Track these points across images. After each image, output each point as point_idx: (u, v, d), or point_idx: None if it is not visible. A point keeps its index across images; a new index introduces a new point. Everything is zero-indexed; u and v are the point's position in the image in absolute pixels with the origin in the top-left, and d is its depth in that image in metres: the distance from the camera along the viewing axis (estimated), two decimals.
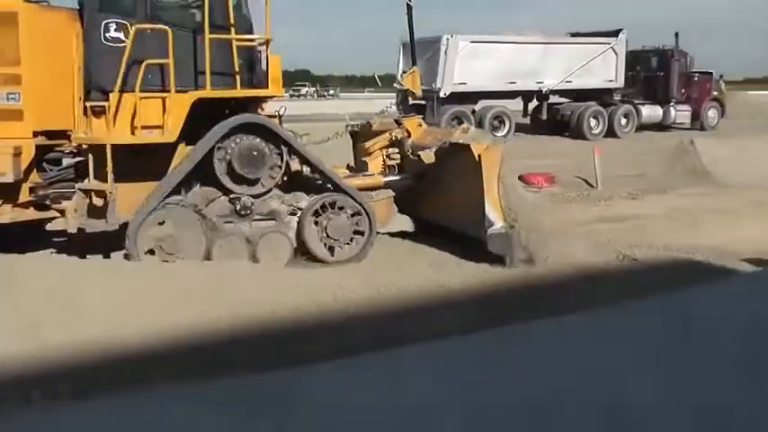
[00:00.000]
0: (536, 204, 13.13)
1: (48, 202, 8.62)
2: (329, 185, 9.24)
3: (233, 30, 8.69)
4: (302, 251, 9.06)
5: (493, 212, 9.02)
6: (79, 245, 8.99)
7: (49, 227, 9.22)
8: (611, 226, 11.35)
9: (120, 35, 8.26)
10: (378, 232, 9.56)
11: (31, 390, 5.13)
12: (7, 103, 7.96)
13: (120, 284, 7.31)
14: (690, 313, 6.19)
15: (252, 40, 9.10)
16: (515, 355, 5.06)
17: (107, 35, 8.30)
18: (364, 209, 9.22)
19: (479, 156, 9.03)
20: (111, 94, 8.30)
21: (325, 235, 9.05)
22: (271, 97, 9.33)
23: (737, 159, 18.17)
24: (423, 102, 20.23)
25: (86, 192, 8.51)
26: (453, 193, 9.67)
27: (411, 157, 10.17)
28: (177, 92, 8.40)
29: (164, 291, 7.26)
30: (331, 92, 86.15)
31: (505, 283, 8.37)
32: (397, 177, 10.35)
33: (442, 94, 22.59)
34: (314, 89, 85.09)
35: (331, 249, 9.12)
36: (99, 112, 8.43)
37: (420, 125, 10.90)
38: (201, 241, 8.51)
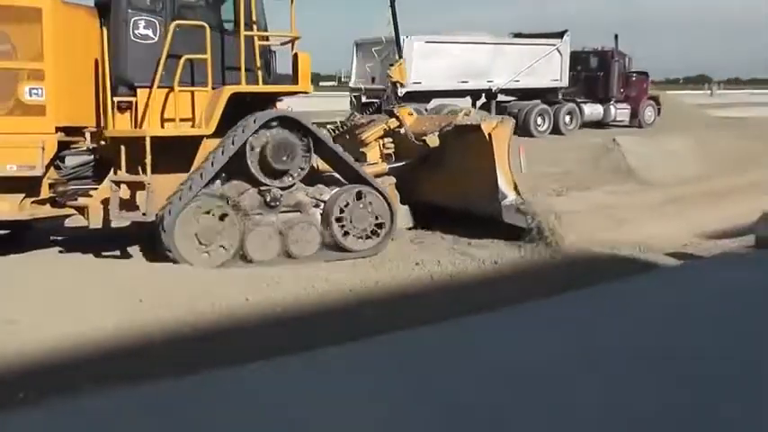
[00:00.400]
0: None
1: (65, 200, 8.79)
2: (351, 179, 9.70)
3: (255, 27, 9.18)
4: (327, 241, 9.45)
5: (506, 186, 9.81)
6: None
7: (67, 223, 9.55)
8: None
9: (149, 32, 8.59)
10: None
11: None
12: (30, 98, 8.05)
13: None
14: (611, 305, 6.47)
15: (280, 37, 9.75)
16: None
17: (136, 32, 8.56)
18: (388, 203, 9.77)
19: (489, 134, 9.75)
20: (139, 90, 8.68)
21: (349, 221, 9.49)
22: (301, 92, 9.74)
23: (659, 157, 18.77)
24: (375, 100, 19.70)
25: (119, 184, 8.60)
26: (463, 173, 10.25)
27: (416, 142, 10.74)
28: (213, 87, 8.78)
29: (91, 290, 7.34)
30: None
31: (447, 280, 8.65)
32: (401, 164, 10.92)
33: (399, 93, 23.17)
34: None
35: (346, 235, 9.52)
36: (125, 108, 8.72)
37: (411, 114, 11.66)
38: (237, 233, 8.86)
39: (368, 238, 9.66)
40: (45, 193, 8.62)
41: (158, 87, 8.62)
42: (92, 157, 9.56)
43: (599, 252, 9.58)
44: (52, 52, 8.17)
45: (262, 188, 9.06)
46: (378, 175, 10.30)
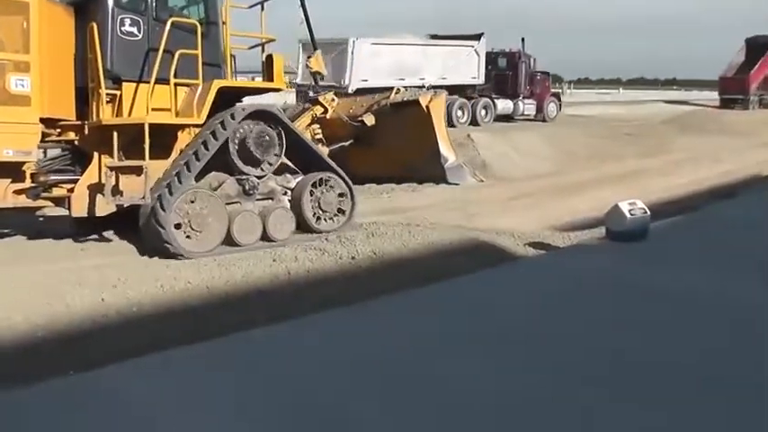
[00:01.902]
0: None
1: (45, 189, 9.06)
2: (314, 166, 10.57)
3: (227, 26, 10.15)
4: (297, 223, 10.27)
5: (446, 151, 11.56)
6: None
7: (47, 212, 10.03)
8: (392, 217, 11.68)
9: (134, 29, 9.25)
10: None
11: None
12: (16, 89, 8.24)
13: None
14: (471, 296, 6.63)
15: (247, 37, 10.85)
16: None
17: (122, 29, 9.18)
18: (350, 190, 10.73)
19: (427, 107, 11.42)
20: (125, 83, 9.31)
21: (317, 206, 10.45)
22: (276, 89, 10.69)
23: (513, 153, 19.42)
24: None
25: (113, 170, 8.94)
26: (403, 145, 11.77)
27: (353, 123, 12.30)
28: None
29: None
30: None
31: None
32: (338, 146, 12.29)
33: (349, 90, 25.08)
34: None
35: (318, 220, 10.46)
36: (110, 100, 9.22)
37: (333, 100, 12.63)
38: (225, 219, 9.49)
39: (335, 216, 10.61)
40: (27, 182, 8.82)
41: (149, 81, 9.27)
42: (61, 149, 9.65)
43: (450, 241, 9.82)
44: (37, 45, 8.38)
45: (240, 177, 9.75)
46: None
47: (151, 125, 8.98)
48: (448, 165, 11.66)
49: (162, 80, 9.27)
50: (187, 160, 9.34)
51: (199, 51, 9.43)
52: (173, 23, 9.27)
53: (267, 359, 5.34)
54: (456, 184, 12.29)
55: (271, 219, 9.89)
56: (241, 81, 10.19)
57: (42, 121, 8.71)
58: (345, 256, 9.17)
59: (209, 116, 9.53)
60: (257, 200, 9.98)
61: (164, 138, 9.53)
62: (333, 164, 10.70)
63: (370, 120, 12.01)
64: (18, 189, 8.77)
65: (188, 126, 9.77)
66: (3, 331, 6.46)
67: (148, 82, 9.25)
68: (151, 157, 9.04)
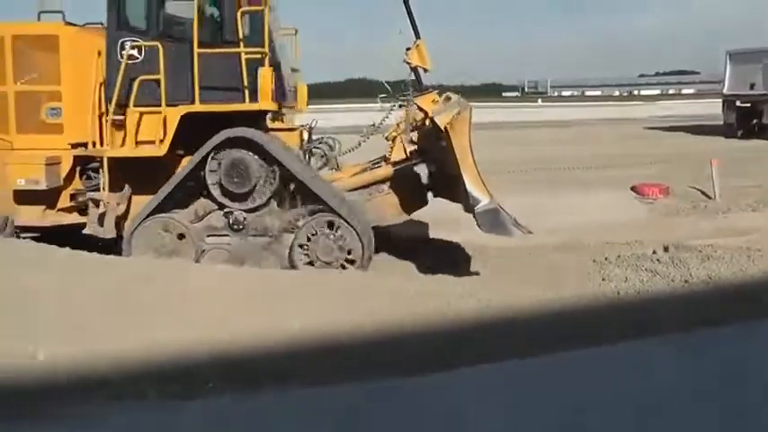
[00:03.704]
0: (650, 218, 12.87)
1: (82, 209, 9.11)
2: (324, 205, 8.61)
3: (242, 44, 8.67)
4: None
5: (474, 188, 8.17)
6: None
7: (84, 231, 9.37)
8: (730, 240, 10.83)
9: (134, 52, 8.59)
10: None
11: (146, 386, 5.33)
12: (50, 118, 8.74)
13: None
14: None
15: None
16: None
17: (122, 53, 8.59)
18: (359, 237, 8.50)
19: (446, 129, 8.23)
20: (127, 109, 8.69)
21: (314, 254, 8.51)
22: (264, 111, 8.95)
23: None
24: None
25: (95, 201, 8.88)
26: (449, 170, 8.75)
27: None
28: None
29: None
30: None
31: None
32: (409, 163, 9.52)
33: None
34: None
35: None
36: (119, 126, 8.80)
37: (434, 101, 9.36)
38: (192, 252, 8.52)
39: (341, 268, 8.55)
40: (66, 202, 9.09)
41: (134, 106, 8.71)
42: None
43: None
44: (67, 75, 8.78)
45: (225, 210, 8.64)
46: (382, 181, 9.35)
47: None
48: (479, 209, 8.13)
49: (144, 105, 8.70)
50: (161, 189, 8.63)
51: (196, 74, 8.53)
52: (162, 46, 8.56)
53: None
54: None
55: (250, 260, 8.45)
56: (215, 105, 8.56)
57: (85, 144, 8.89)
58: (678, 279, 8.72)
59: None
60: (252, 235, 8.66)
61: (159, 169, 8.82)
62: (339, 205, 8.62)
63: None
64: (62, 208, 9.08)
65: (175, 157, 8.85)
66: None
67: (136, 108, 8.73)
68: (141, 190, 8.78)
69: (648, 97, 76.14)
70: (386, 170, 9.41)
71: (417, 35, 9.70)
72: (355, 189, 9.22)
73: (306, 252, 8.54)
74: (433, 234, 11.17)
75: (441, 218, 10.87)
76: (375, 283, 7.85)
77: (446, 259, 9.73)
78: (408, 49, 9.72)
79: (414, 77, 9.63)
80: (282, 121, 9.27)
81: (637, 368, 5.23)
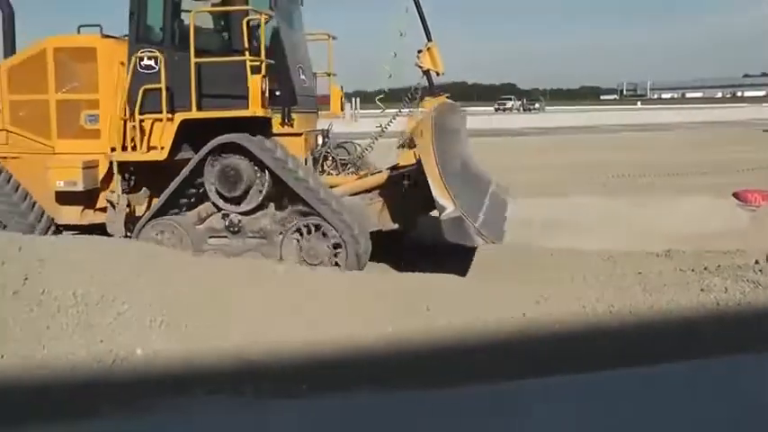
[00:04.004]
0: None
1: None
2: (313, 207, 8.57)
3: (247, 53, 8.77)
4: None
5: (440, 196, 7.90)
6: None
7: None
8: None
9: (152, 62, 8.93)
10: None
11: (243, 385, 5.47)
12: (89, 123, 9.27)
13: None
14: None
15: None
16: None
17: (141, 63, 8.96)
18: (344, 241, 8.45)
19: (411, 135, 8.24)
20: (143, 116, 9.01)
21: (301, 258, 8.51)
22: (255, 116, 8.81)
23: None
24: None
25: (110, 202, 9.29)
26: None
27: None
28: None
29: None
30: (536, 105, 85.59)
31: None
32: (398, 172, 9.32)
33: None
34: (519, 103, 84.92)
35: None
36: (139, 131, 9.08)
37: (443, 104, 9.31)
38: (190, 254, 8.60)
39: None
40: (103, 203, 9.47)
41: (147, 113, 9.01)
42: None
43: None
44: (104, 84, 9.28)
45: (222, 213, 8.79)
46: (373, 189, 9.21)
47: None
48: (444, 216, 7.86)
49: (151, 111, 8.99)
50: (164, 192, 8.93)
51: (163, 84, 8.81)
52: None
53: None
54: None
55: None
56: (210, 112, 8.78)
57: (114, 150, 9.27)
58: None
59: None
60: (250, 237, 8.78)
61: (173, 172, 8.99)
62: (325, 206, 8.52)
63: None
64: (99, 208, 9.47)
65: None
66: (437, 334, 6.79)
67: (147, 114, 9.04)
68: (157, 193, 9.05)
69: (754, 99, 73.50)
70: (381, 176, 9.39)
71: (429, 38, 9.60)
72: (357, 193, 9.19)
73: (293, 252, 8.64)
74: (525, 238, 11.10)
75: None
76: (481, 290, 7.85)
77: (541, 264, 9.66)
78: (420, 51, 9.64)
79: (427, 81, 9.55)
80: (292, 126, 9.26)
81: (736, 384, 5.11)
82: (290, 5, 10.03)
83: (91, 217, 9.46)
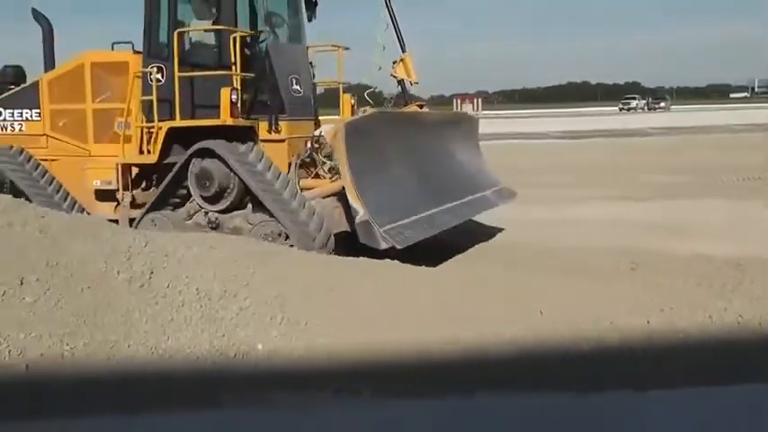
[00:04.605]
0: None
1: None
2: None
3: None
4: None
5: (353, 202, 8.30)
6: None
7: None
8: None
9: (159, 75, 9.75)
10: None
11: (361, 383, 5.51)
12: (120, 130, 10.05)
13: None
14: None
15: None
16: None
17: (150, 77, 9.75)
18: (289, 235, 8.78)
19: (332, 142, 8.88)
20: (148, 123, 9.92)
21: None
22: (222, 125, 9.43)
23: None
24: None
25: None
26: None
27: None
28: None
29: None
30: (662, 104, 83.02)
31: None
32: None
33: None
34: (644, 102, 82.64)
35: None
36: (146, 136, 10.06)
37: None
38: None
39: None
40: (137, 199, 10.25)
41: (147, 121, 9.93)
42: None
43: None
44: (133, 94, 10.01)
45: (204, 210, 9.41)
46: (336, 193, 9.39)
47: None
48: (357, 220, 8.27)
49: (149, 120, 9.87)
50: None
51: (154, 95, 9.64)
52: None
53: None
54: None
55: None
56: (190, 120, 9.64)
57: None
58: None
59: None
60: (227, 233, 9.08)
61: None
62: (282, 204, 8.87)
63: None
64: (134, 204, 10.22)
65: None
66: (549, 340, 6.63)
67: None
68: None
69: None
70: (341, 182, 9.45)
71: (403, 49, 10.66)
72: (329, 196, 9.38)
73: None
74: (649, 242, 10.77)
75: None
76: (601, 294, 7.66)
77: (665, 269, 9.32)
78: (395, 62, 10.74)
79: (401, 89, 10.71)
80: (279, 132, 9.77)
81: None
82: (291, 21, 10.80)
83: (123, 212, 10.15)
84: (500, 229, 11.89)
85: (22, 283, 6.17)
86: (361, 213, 8.26)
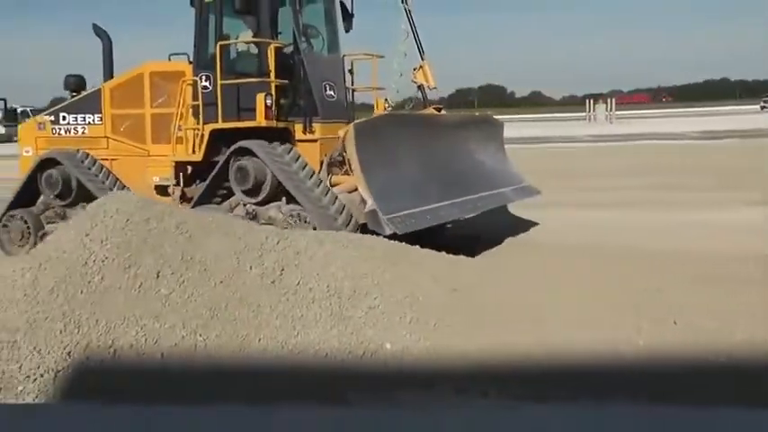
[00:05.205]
0: None
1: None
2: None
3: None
4: None
5: (363, 192, 9.27)
6: None
7: None
8: None
9: (207, 83, 10.78)
10: None
11: (489, 386, 5.43)
12: (178, 132, 10.97)
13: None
14: None
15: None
16: None
17: (200, 84, 10.83)
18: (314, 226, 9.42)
19: (345, 141, 9.54)
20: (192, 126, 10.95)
21: None
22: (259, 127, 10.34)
23: None
24: None
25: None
26: None
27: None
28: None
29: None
30: None
31: None
32: None
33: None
34: None
35: None
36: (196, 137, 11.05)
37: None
38: None
39: None
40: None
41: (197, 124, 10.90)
42: None
43: None
44: (185, 100, 10.95)
45: (243, 203, 10.16)
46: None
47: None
48: (366, 209, 9.14)
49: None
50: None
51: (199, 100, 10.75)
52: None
53: None
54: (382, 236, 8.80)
55: None
56: (231, 123, 10.54)
57: None
58: None
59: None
60: (262, 224, 9.58)
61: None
62: (308, 199, 9.62)
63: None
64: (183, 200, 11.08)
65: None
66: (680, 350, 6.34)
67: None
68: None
69: None
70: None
71: (422, 57, 11.78)
72: (354, 190, 9.93)
73: None
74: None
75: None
76: (733, 305, 7.27)
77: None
78: (415, 69, 11.91)
79: (422, 94, 11.93)
80: (313, 133, 10.75)
81: None
82: (327, 32, 11.75)
83: (180, 207, 10.83)
84: (638, 233, 11.53)
85: (158, 276, 6.42)
86: (369, 203, 9.19)
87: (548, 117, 69.97)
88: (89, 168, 11.40)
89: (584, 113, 64.03)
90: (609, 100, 63.74)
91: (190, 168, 11.14)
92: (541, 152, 29.80)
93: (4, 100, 16.99)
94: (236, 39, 11.07)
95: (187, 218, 7.32)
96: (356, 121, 10.01)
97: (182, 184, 11.01)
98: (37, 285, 6.36)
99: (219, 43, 10.59)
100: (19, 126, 13.61)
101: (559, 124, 54.56)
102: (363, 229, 9.40)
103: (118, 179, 11.47)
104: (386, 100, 12.50)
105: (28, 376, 5.83)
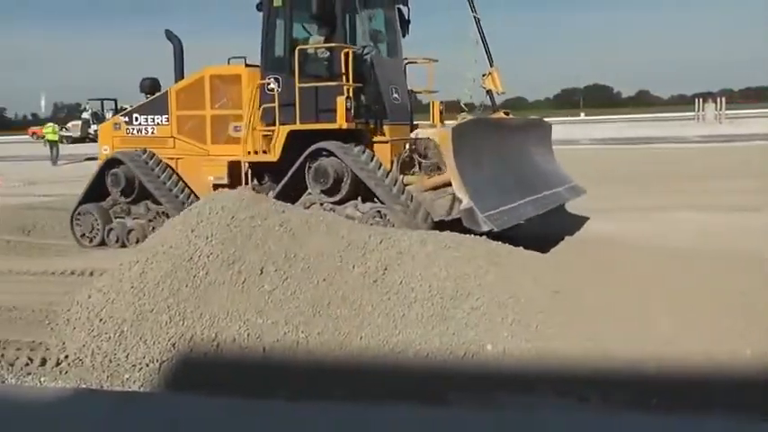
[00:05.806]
0: None
1: None
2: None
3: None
4: None
5: (458, 191, 9.48)
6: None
7: None
8: None
9: (276, 86, 11.09)
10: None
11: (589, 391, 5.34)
12: (234, 132, 11.61)
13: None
14: None
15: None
16: None
17: (268, 87, 11.19)
18: (394, 222, 9.83)
19: (439, 143, 10.00)
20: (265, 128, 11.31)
21: None
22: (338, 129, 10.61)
23: None
24: None
25: None
26: None
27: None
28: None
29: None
30: None
31: None
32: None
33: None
34: None
35: None
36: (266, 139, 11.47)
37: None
38: None
39: None
40: None
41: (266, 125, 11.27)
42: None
43: None
44: (246, 102, 11.54)
45: (320, 202, 10.37)
46: (440, 186, 10.30)
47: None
48: (462, 207, 9.38)
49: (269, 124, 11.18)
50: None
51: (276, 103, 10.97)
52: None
53: None
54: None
55: None
56: (312, 124, 10.81)
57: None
58: None
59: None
60: None
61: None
62: (387, 195, 10.04)
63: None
64: None
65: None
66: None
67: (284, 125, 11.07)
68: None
69: None
70: (445, 176, 10.43)
71: (491, 63, 12.11)
72: (429, 189, 10.37)
73: None
74: None
75: None
76: None
77: None
78: (484, 75, 12.20)
79: (490, 99, 12.23)
80: (383, 134, 11.13)
81: None
82: (389, 37, 12.12)
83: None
84: (750, 237, 11.06)
85: (261, 273, 6.56)
86: (465, 201, 9.40)
87: (655, 117, 67.82)
88: (152, 168, 11.95)
89: (692, 113, 62.03)
90: (718, 99, 61.59)
91: (256, 169, 11.52)
92: (645, 153, 29.01)
93: (115, 100, 17.78)
94: (308, 43, 11.26)
95: (291, 216, 7.43)
96: (453, 124, 10.39)
97: (247, 183, 11.42)
98: (144, 278, 6.61)
99: (298, 47, 10.85)
100: (99, 126, 14.39)
101: (663, 124, 52.82)
102: (437, 226, 9.64)
103: (180, 178, 12.06)
104: (462, 104, 12.84)
105: (134, 365, 6.05)
